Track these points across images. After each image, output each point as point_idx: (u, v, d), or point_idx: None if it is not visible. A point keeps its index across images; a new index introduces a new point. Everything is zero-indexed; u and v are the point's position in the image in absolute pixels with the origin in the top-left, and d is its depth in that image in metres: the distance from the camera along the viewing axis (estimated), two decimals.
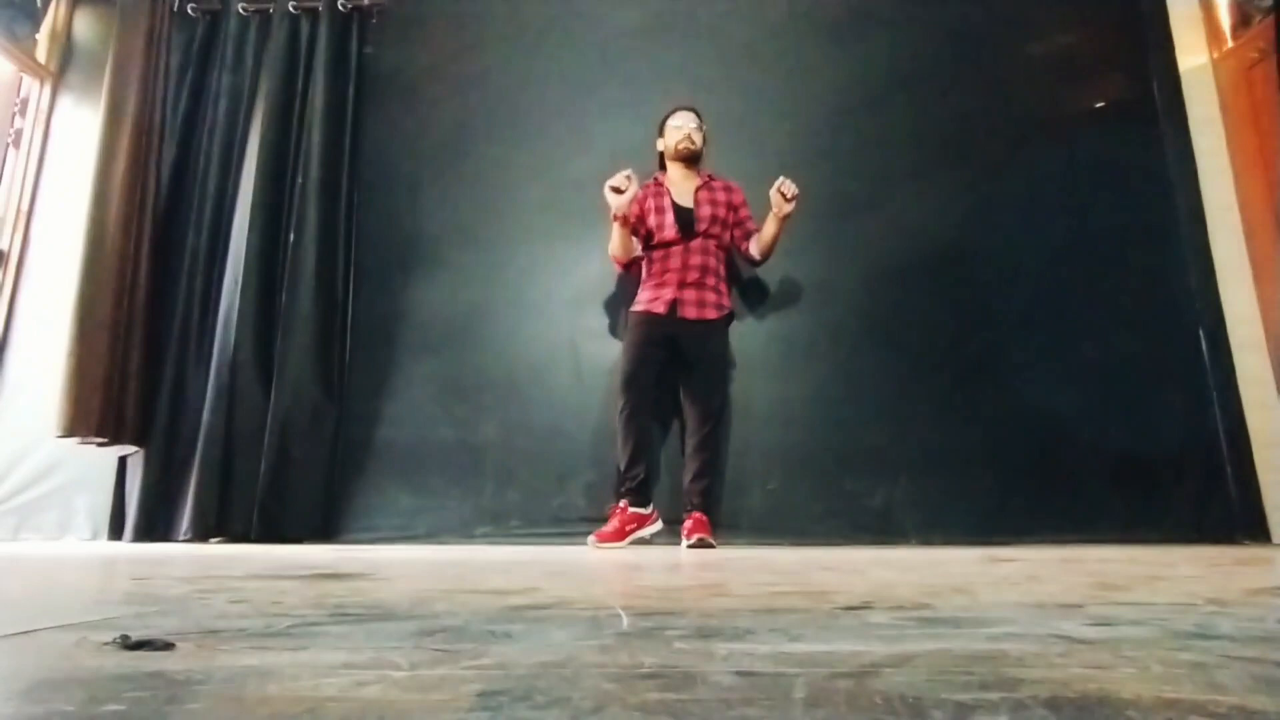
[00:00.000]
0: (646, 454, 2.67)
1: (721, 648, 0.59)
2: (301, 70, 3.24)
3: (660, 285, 2.75)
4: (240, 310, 2.93)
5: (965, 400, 2.87)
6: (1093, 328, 2.89)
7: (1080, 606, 0.86)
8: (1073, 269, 2.96)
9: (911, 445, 2.82)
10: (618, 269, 2.89)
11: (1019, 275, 2.97)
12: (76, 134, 3.27)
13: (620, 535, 2.57)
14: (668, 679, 0.48)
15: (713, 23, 3.31)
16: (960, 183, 3.06)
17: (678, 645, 0.60)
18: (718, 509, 2.72)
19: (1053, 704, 0.41)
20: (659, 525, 2.67)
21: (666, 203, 2.82)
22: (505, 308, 3.05)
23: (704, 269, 2.76)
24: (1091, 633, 0.66)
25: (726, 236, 2.86)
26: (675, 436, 2.87)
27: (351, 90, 3.24)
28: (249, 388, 2.89)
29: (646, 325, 2.73)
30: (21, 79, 3.38)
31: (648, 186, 2.86)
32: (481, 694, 0.44)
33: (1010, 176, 3.05)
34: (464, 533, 2.82)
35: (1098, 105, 3.16)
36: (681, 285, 2.73)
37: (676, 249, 2.76)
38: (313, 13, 3.30)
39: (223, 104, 3.24)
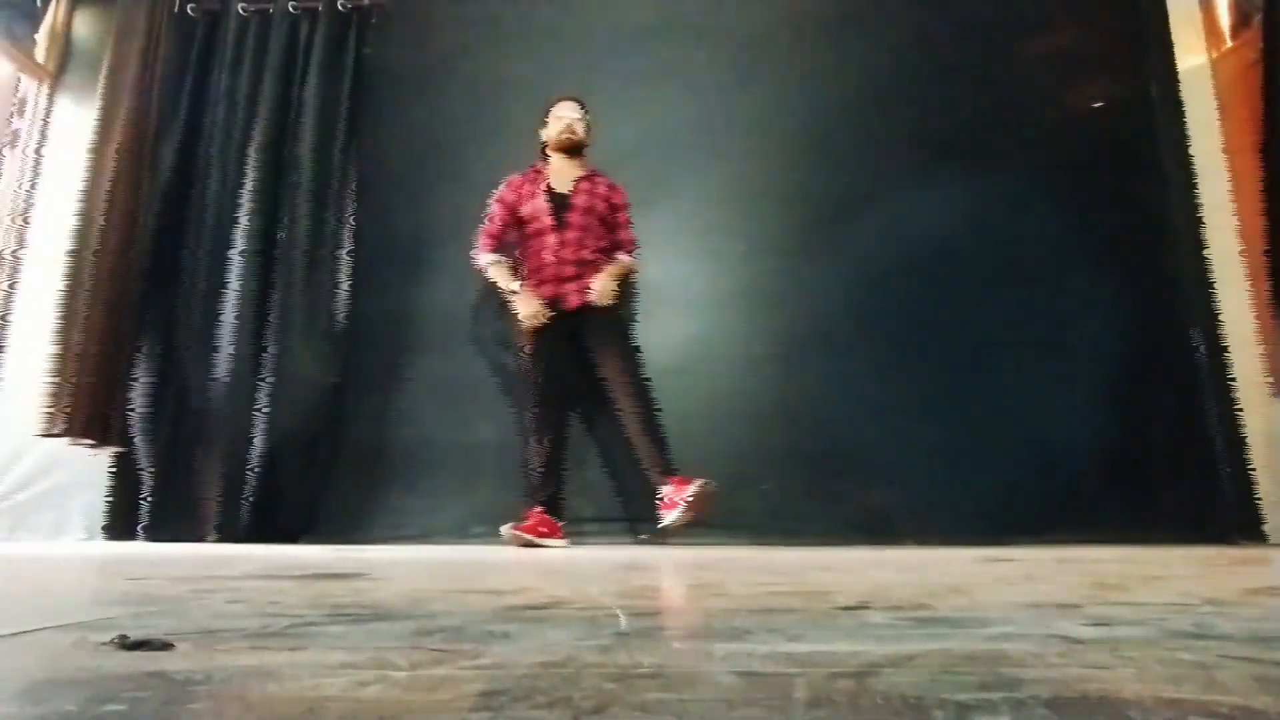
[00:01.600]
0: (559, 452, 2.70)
1: (721, 648, 0.59)
2: (301, 70, 3.23)
3: (539, 281, 2.76)
4: (239, 310, 2.93)
5: (963, 400, 2.86)
6: (1089, 327, 2.89)
7: (1078, 606, 0.86)
8: (1069, 268, 2.96)
9: (909, 445, 2.82)
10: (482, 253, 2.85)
11: (1017, 275, 2.97)
12: (74, 135, 3.26)
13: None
14: (667, 679, 0.48)
15: (713, 23, 3.31)
16: (959, 183, 3.06)
17: (677, 645, 0.60)
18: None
19: (1053, 704, 0.41)
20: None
21: (541, 188, 2.83)
22: (502, 308, 3.05)
23: (580, 263, 2.75)
24: (1090, 633, 0.66)
25: (602, 229, 2.82)
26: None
27: (350, 90, 3.23)
28: (247, 388, 2.88)
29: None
30: (20, 79, 3.37)
31: (525, 174, 2.89)
32: (481, 694, 0.44)
33: (1009, 176, 3.05)
34: (461, 533, 2.81)
35: (1096, 105, 3.16)
36: (560, 280, 2.73)
37: (550, 238, 2.76)
38: (312, 13, 3.30)
39: (222, 104, 3.23)
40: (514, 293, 2.72)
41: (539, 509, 2.58)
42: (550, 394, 2.69)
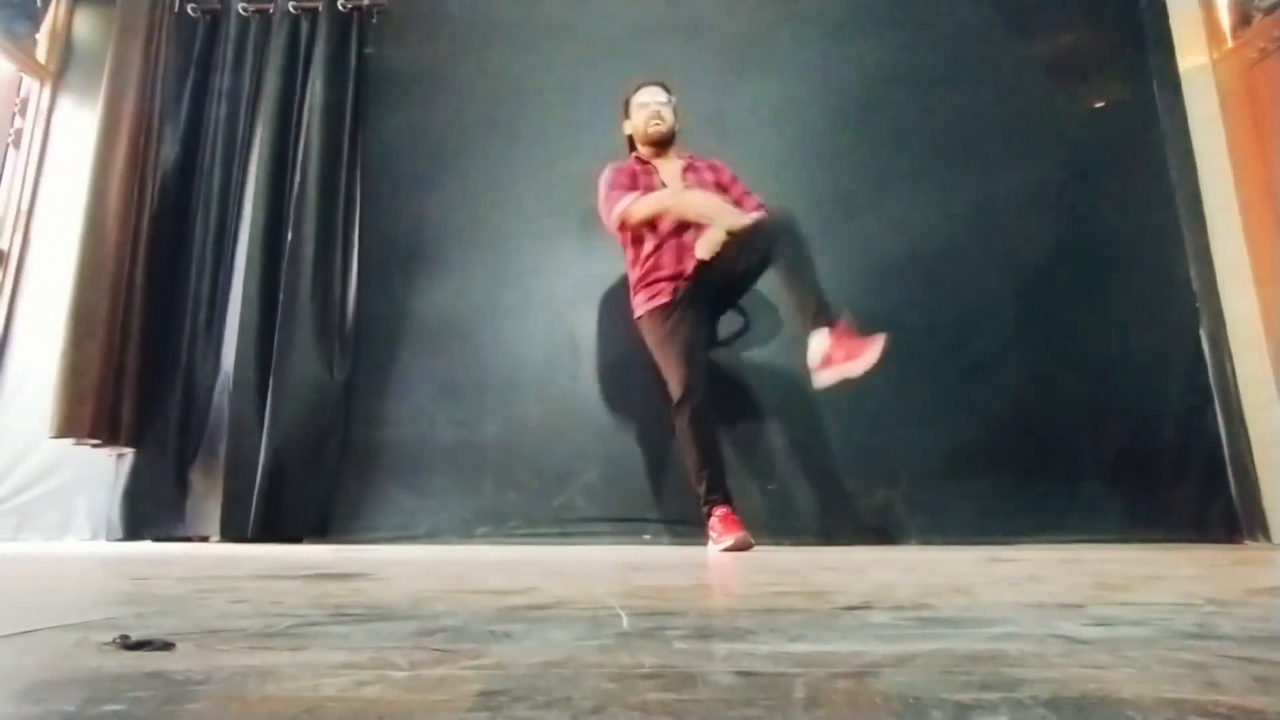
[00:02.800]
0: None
1: (721, 648, 0.59)
2: (302, 70, 3.24)
3: (656, 280, 2.53)
4: (242, 310, 2.93)
5: (965, 400, 2.86)
6: (1093, 328, 2.89)
7: (1080, 606, 0.86)
8: (1072, 269, 2.96)
9: (911, 445, 2.82)
10: (617, 230, 2.59)
11: (1019, 275, 2.97)
12: (77, 134, 3.27)
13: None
14: (668, 679, 0.48)
15: (712, 23, 3.31)
16: (960, 183, 3.06)
17: (678, 645, 0.60)
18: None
19: (1053, 704, 0.41)
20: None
21: (657, 184, 2.58)
22: (506, 307, 3.05)
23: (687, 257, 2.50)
24: (1091, 633, 0.66)
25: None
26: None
27: (352, 90, 3.24)
28: (250, 388, 2.89)
29: (666, 312, 2.48)
30: (21, 79, 3.38)
31: (634, 166, 2.64)
32: (481, 694, 0.44)
33: (1010, 176, 3.05)
34: (464, 533, 2.82)
35: (1098, 105, 3.16)
36: (679, 278, 2.49)
37: (670, 242, 2.53)
38: (313, 13, 3.30)
39: (223, 104, 3.24)
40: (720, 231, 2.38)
41: (726, 506, 2.34)
42: (704, 398, 2.41)
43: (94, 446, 2.86)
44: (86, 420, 2.76)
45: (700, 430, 2.37)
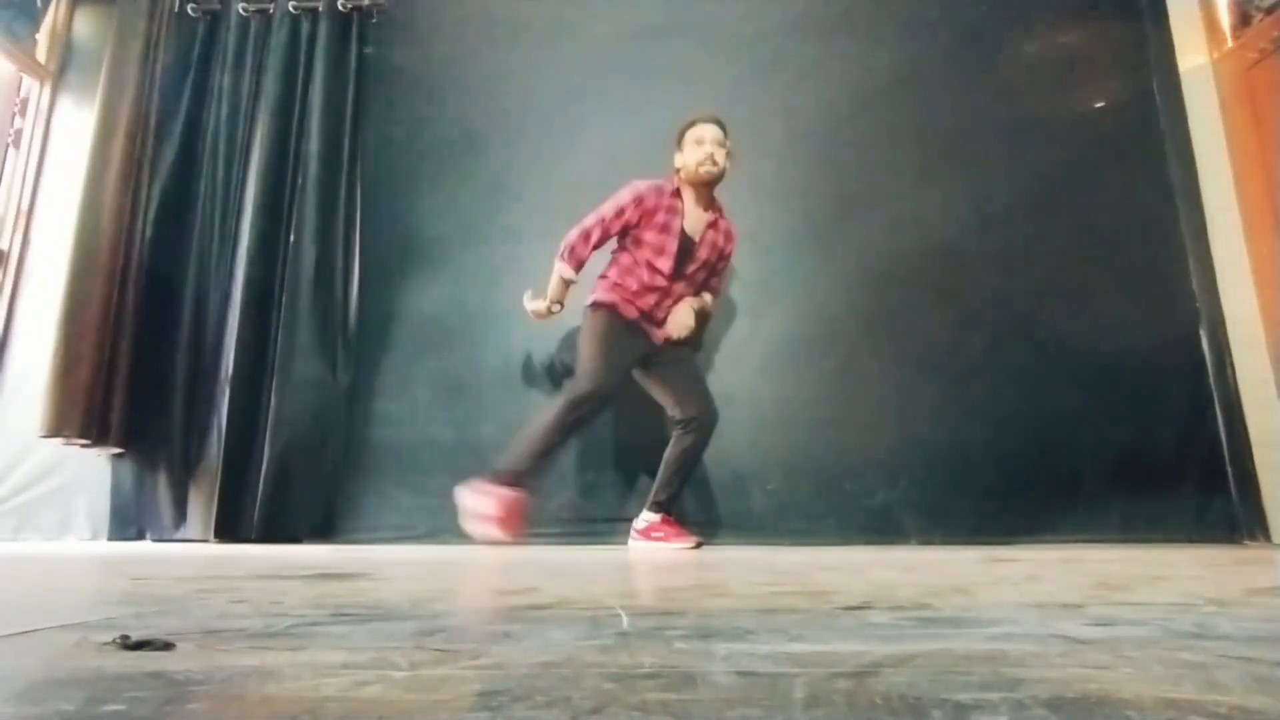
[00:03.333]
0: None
1: (721, 648, 0.59)
2: (302, 70, 3.24)
3: (636, 293, 2.56)
4: (242, 310, 2.93)
5: (965, 400, 2.86)
6: (1093, 328, 2.88)
7: (1080, 606, 0.86)
8: (1072, 269, 2.96)
9: (911, 445, 2.82)
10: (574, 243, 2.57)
11: (1019, 275, 2.97)
12: (76, 134, 3.27)
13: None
14: (668, 679, 0.48)
15: (712, 24, 3.31)
16: (960, 183, 3.06)
17: (678, 645, 0.60)
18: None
19: (1053, 704, 0.41)
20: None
21: (676, 227, 2.55)
22: (506, 307, 3.04)
23: (679, 296, 2.61)
24: (1091, 633, 0.66)
25: (702, 274, 2.65)
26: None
27: (352, 90, 3.23)
28: (250, 387, 2.89)
29: (619, 324, 2.54)
30: (21, 79, 3.38)
31: (661, 193, 2.55)
32: (481, 694, 0.44)
33: (1010, 176, 3.05)
34: (464, 533, 2.81)
35: (1098, 105, 3.16)
36: (653, 309, 2.59)
37: (660, 279, 2.55)
38: (313, 13, 3.30)
39: (224, 104, 3.24)
40: (547, 307, 2.55)
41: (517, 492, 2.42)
42: (603, 406, 2.53)
43: (83, 446, 2.85)
44: (76, 420, 2.76)
45: (572, 427, 2.44)
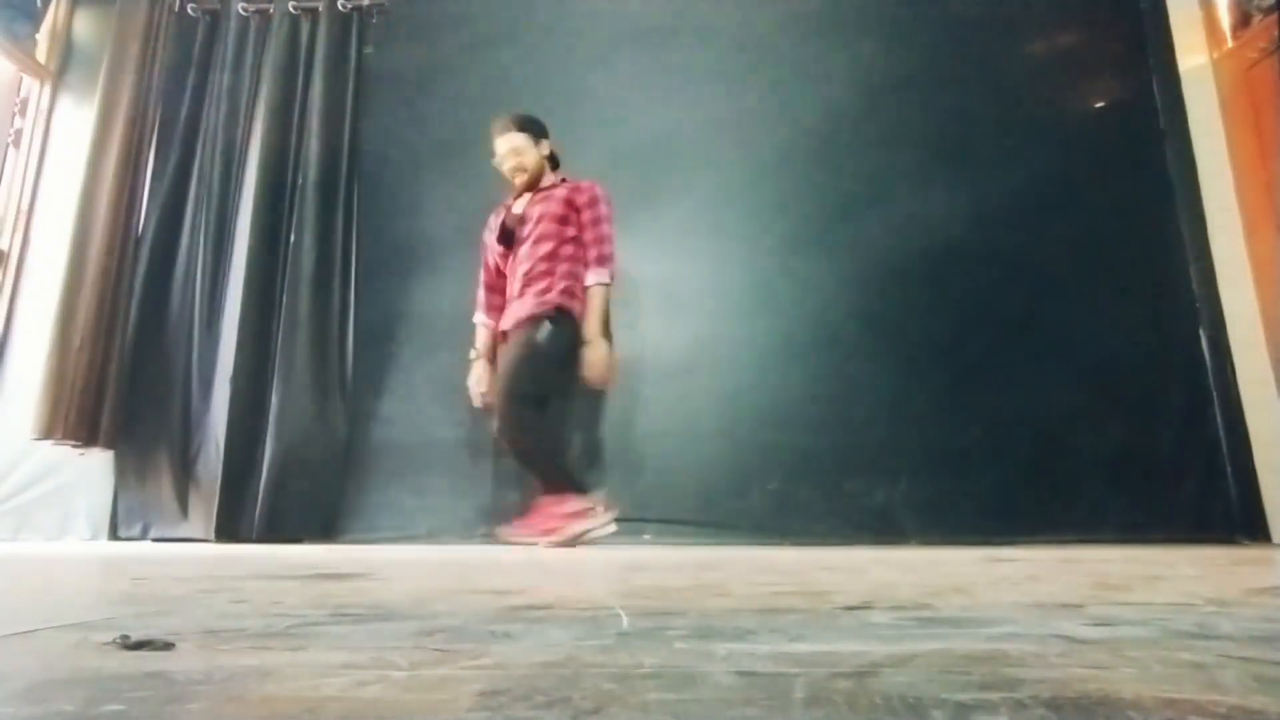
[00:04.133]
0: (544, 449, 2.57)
1: (721, 648, 0.59)
2: (301, 70, 3.24)
3: (495, 312, 2.73)
4: (242, 310, 2.93)
5: (965, 400, 2.86)
6: (1093, 328, 2.88)
7: (1080, 606, 0.86)
8: (1072, 269, 2.96)
9: (911, 445, 2.82)
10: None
11: (1019, 275, 2.97)
12: (76, 134, 3.27)
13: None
14: (668, 679, 0.48)
15: (712, 23, 3.31)
16: (960, 183, 3.06)
17: (678, 645, 0.60)
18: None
19: (1053, 704, 0.41)
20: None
21: (498, 219, 2.74)
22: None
23: (529, 275, 2.56)
24: (1091, 633, 0.66)
25: (568, 232, 2.59)
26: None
27: (351, 90, 3.24)
28: (250, 388, 2.89)
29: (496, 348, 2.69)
30: (21, 79, 3.38)
31: (498, 210, 2.81)
32: (481, 694, 0.44)
33: (1010, 176, 3.05)
34: (464, 533, 2.81)
35: (1098, 105, 3.16)
36: (509, 299, 2.64)
37: (510, 260, 2.67)
38: (313, 13, 3.30)
39: (223, 104, 3.24)
40: (470, 359, 2.72)
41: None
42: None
43: (74, 447, 2.85)
44: (67, 422, 2.76)
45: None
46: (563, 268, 2.56)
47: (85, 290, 2.87)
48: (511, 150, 2.70)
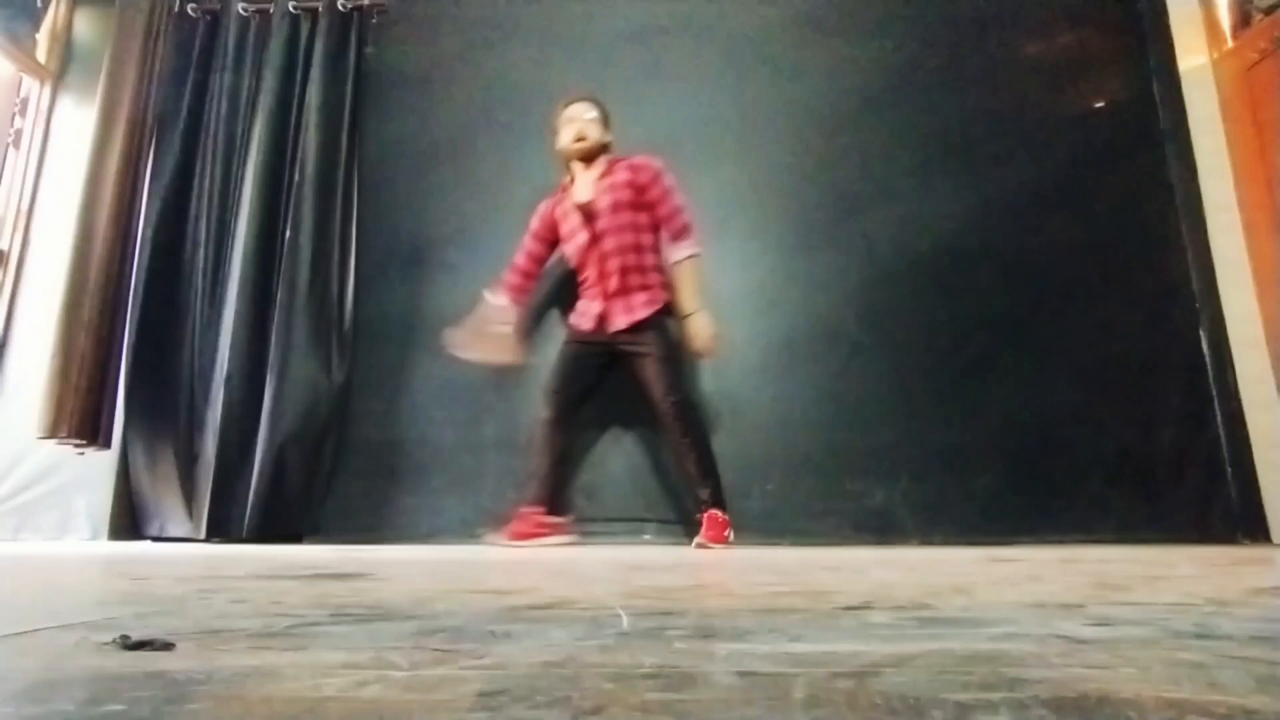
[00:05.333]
0: (559, 463, 2.63)
1: (721, 648, 0.59)
2: (301, 70, 3.23)
3: (589, 299, 2.64)
4: (240, 310, 2.93)
5: (965, 400, 2.86)
6: (1093, 327, 2.88)
7: (1080, 606, 0.86)
8: (1072, 269, 2.96)
9: (911, 445, 2.82)
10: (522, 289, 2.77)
11: (1019, 275, 2.97)
12: (76, 134, 3.27)
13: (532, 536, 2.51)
14: (668, 679, 0.48)
15: (712, 23, 3.31)
16: (960, 183, 3.06)
17: (678, 645, 0.60)
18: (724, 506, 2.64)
19: (1053, 704, 0.41)
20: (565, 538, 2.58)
21: (569, 204, 2.67)
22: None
23: (623, 269, 2.57)
24: (1091, 633, 0.66)
25: (643, 218, 2.60)
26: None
27: (351, 90, 3.23)
28: (249, 387, 2.89)
29: (577, 344, 2.65)
30: (21, 79, 3.38)
31: (552, 197, 2.76)
32: (481, 694, 0.44)
33: (1010, 176, 3.05)
34: (464, 533, 2.81)
35: (1098, 105, 3.16)
36: (607, 295, 2.58)
37: (592, 253, 2.60)
38: (313, 13, 3.30)
39: (223, 104, 3.24)
40: (494, 321, 2.66)
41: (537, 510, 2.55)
42: (563, 398, 2.60)
43: (75, 447, 2.84)
44: (70, 422, 2.76)
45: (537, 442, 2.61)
46: (651, 258, 2.60)
47: (88, 290, 2.87)
48: (580, 117, 2.66)
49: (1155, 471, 2.76)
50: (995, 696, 0.42)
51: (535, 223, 2.75)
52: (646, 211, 2.60)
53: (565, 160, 2.72)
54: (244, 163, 3.14)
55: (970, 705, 0.41)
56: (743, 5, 3.33)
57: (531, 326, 2.93)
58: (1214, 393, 2.82)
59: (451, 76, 3.32)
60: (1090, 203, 3.01)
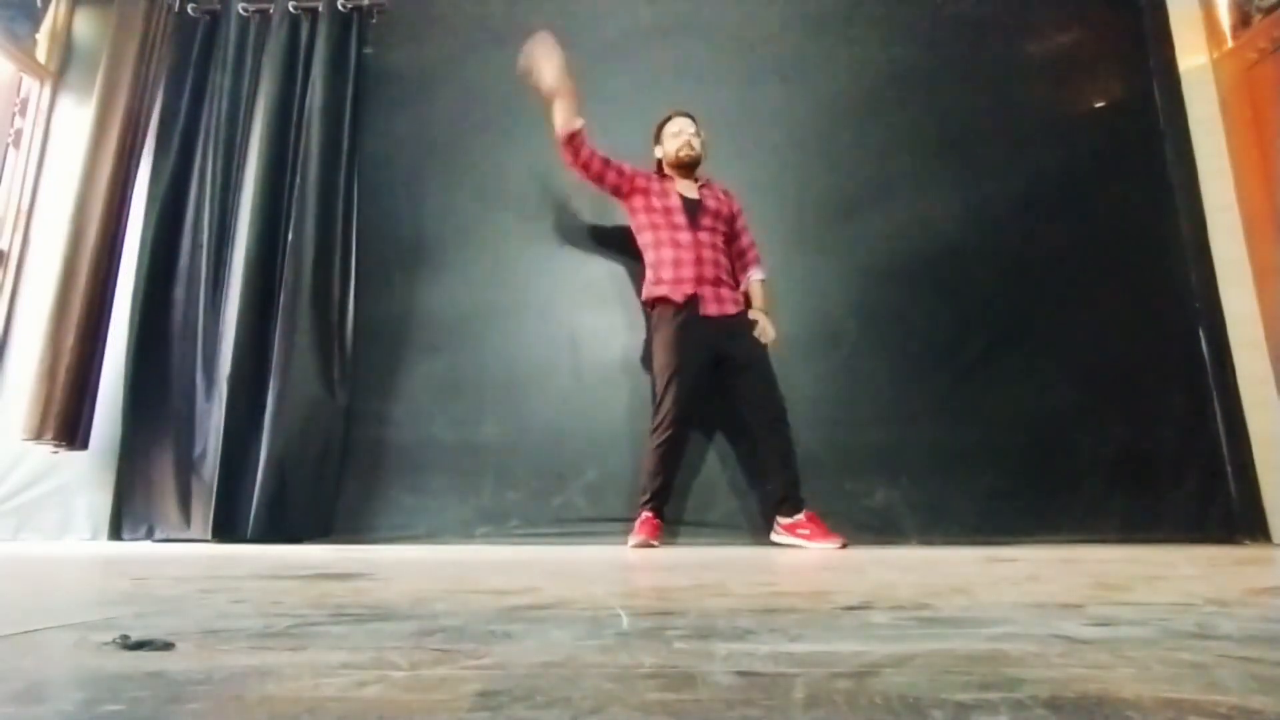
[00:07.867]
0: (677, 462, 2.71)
1: (721, 648, 0.59)
2: (301, 70, 3.23)
3: (677, 279, 2.69)
4: (240, 310, 2.93)
5: (965, 400, 2.86)
6: (1093, 327, 2.89)
7: (1080, 606, 0.86)
8: (1072, 269, 2.96)
9: (911, 445, 2.82)
10: (569, 162, 2.77)
11: (1019, 275, 2.97)
12: (76, 134, 3.27)
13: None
14: (668, 679, 0.48)
15: (713, 23, 3.31)
16: (960, 183, 3.06)
17: (678, 645, 0.60)
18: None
19: (1053, 704, 0.41)
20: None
21: (671, 188, 2.81)
22: (505, 307, 3.05)
23: (717, 265, 2.74)
24: (1091, 633, 0.66)
25: (724, 236, 2.82)
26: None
27: (351, 90, 3.23)
28: (249, 387, 2.89)
29: (684, 315, 2.66)
30: (21, 79, 3.38)
31: (649, 176, 2.84)
32: (481, 694, 0.44)
33: (1010, 176, 3.05)
34: (464, 533, 2.81)
35: (1098, 105, 3.16)
36: (699, 280, 2.69)
37: (686, 238, 2.73)
38: (313, 13, 3.30)
39: (223, 104, 3.23)
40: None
41: (650, 514, 2.61)
42: (687, 405, 2.63)
43: (54, 447, 2.84)
44: (54, 423, 2.76)
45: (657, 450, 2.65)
46: (728, 268, 2.82)
47: (78, 290, 2.87)
48: (686, 131, 2.86)
49: (1155, 472, 2.76)
50: (995, 696, 0.42)
51: (628, 168, 2.82)
52: (728, 232, 2.83)
53: (670, 166, 2.88)
54: (244, 164, 3.14)
55: (970, 705, 0.41)
56: (743, 5, 3.33)
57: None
58: (1214, 393, 2.83)
59: (451, 76, 3.31)
60: (1090, 203, 3.01)
